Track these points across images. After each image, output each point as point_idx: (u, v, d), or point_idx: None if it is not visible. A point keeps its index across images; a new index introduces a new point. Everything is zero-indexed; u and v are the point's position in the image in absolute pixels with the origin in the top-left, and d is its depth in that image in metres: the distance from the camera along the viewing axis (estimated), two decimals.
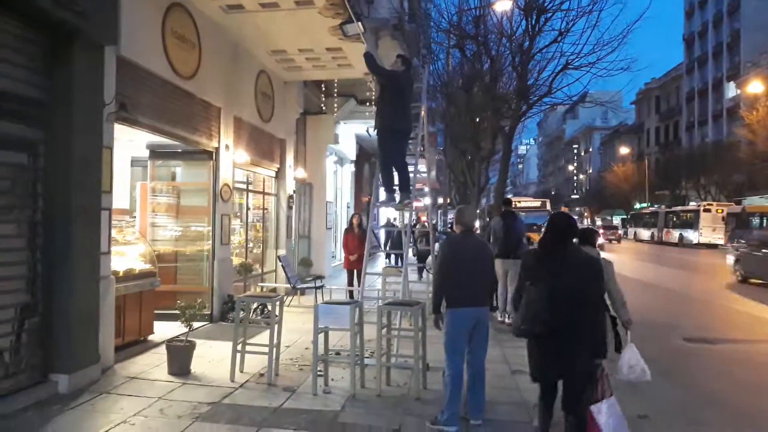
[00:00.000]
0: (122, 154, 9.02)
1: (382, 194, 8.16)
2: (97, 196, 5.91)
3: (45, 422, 4.62)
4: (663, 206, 46.47)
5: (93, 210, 5.84)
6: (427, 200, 16.64)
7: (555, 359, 3.95)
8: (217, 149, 9.38)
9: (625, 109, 61.16)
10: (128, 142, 8.80)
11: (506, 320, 9.43)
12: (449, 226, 33.98)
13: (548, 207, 27.90)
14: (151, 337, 7.50)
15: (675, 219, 41.72)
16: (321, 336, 5.84)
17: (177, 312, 6.32)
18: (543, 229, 4.72)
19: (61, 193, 5.43)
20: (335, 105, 15.02)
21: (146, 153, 9.40)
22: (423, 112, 8.55)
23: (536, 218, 25.57)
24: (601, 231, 35.75)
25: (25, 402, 4.93)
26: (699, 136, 51.92)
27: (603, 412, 3.93)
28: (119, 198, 8.63)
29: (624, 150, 63.79)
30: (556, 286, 3.83)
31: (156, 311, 7.70)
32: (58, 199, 5.43)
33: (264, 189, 12.25)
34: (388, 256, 17.82)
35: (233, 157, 9.88)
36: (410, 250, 10.34)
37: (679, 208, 43.33)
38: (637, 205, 54.69)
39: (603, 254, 5.27)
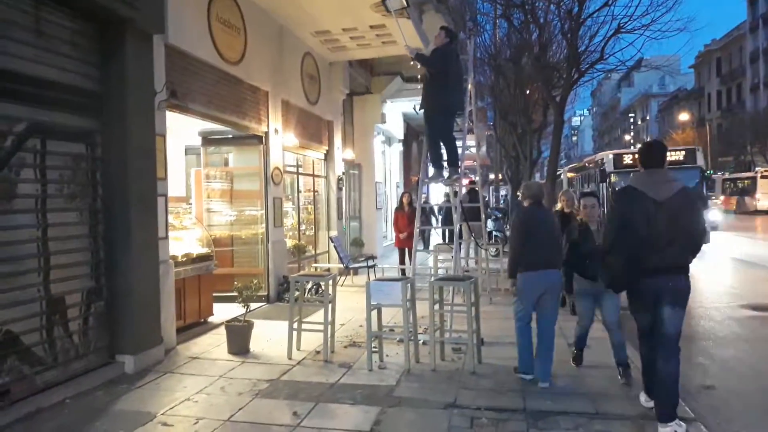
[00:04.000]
0: (176, 142, 9.24)
1: (431, 171, 8.08)
2: (153, 183, 6.08)
3: (114, 400, 4.83)
4: (721, 174, 44.79)
5: (149, 197, 6.01)
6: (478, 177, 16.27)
7: None
8: (267, 133, 9.49)
9: (684, 74, 58.51)
10: (181, 131, 9.00)
11: None
12: (502, 202, 33.52)
13: (700, 161, 15.05)
14: (210, 319, 7.73)
15: (732, 186, 40.54)
16: (374, 313, 5.88)
17: (235, 294, 6.48)
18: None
19: (119, 181, 5.62)
20: (381, 84, 14.94)
21: (199, 141, 9.62)
22: (470, 87, 8.39)
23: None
24: None
25: (94, 382, 5.17)
26: (765, 98, 49.24)
27: None
28: (175, 186, 8.87)
29: (683, 116, 61.14)
30: None
31: (214, 294, 7.92)
32: (116, 187, 5.61)
33: (314, 171, 12.35)
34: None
35: (282, 141, 9.98)
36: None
37: (736, 174, 41.87)
38: None
39: None
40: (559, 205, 7.88)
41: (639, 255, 4.06)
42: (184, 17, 6.93)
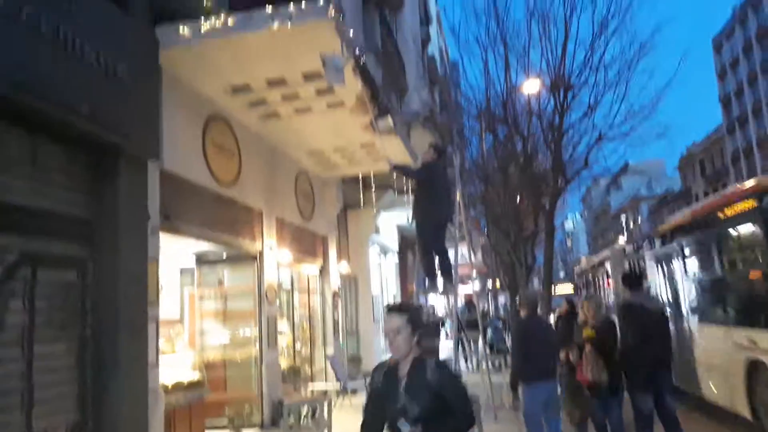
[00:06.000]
0: (171, 264, 9.23)
1: (426, 282, 8.06)
2: (144, 308, 5.97)
3: None
4: None
5: (140, 323, 5.89)
6: (476, 285, 16.22)
7: None
8: (261, 252, 9.50)
9: (670, 177, 60.18)
10: (176, 252, 9.01)
11: None
12: (502, 311, 32.96)
13: None
14: None
15: None
16: None
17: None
18: None
19: (109, 308, 5.52)
20: (373, 197, 15.21)
21: (194, 261, 9.60)
22: (458, 197, 8.56)
23: None
24: None
25: None
26: None
27: None
28: (169, 308, 8.74)
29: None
30: None
31: (207, 418, 7.57)
32: (107, 314, 5.51)
33: (309, 287, 12.26)
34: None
35: (277, 258, 9.98)
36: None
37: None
38: None
39: None
40: (581, 316, 6.80)
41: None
42: (179, 143, 7.15)
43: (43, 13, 4.70)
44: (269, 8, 6.06)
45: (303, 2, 6.02)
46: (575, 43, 12.58)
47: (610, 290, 14.16)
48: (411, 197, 10.73)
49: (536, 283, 33.67)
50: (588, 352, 5.71)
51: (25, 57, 4.57)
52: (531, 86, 13.30)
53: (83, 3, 5.31)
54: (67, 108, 4.94)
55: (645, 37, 12.85)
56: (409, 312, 3.06)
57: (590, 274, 18.14)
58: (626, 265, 13.25)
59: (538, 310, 6.18)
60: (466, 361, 13.13)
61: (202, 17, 6.26)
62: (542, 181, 13.71)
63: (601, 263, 16.51)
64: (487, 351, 10.81)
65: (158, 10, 6.51)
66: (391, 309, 3.10)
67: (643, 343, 5.70)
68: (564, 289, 38.41)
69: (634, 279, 6.43)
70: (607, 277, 14.99)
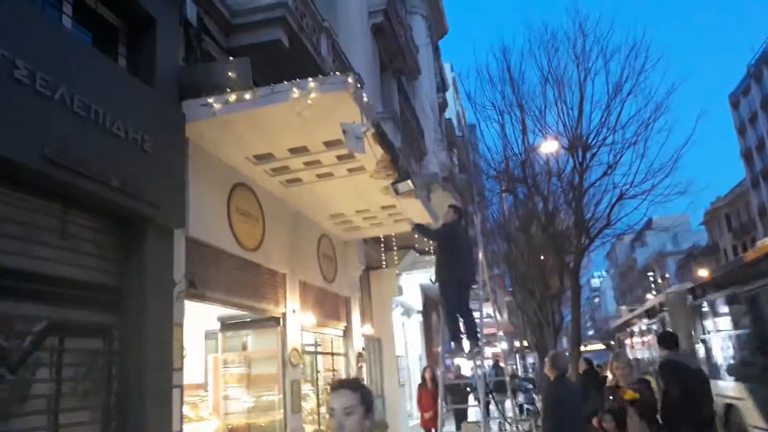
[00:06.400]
0: (196, 329, 9.29)
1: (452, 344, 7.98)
2: (169, 374, 6.00)
3: None
4: None
5: (165, 389, 5.90)
6: (503, 344, 15.95)
7: None
8: (284, 315, 9.53)
9: (695, 231, 59.26)
10: (201, 316, 9.09)
11: None
12: (531, 371, 32.09)
13: None
14: None
15: None
16: None
17: None
18: None
19: (135, 375, 5.56)
20: (395, 258, 15.26)
21: (218, 325, 9.65)
22: (481, 257, 8.57)
23: None
24: None
25: None
26: None
27: None
28: (194, 373, 8.76)
29: (702, 272, 60.75)
30: None
31: None
32: (132, 381, 5.54)
33: (332, 349, 12.17)
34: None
35: (300, 321, 9.98)
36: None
37: None
38: None
39: None
40: (610, 377, 6.96)
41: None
42: (204, 211, 7.32)
43: (75, 90, 4.97)
44: (291, 82, 6.32)
45: (324, 76, 6.27)
46: (591, 104, 12.78)
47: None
48: (433, 257, 10.78)
49: (565, 342, 32.91)
50: (631, 416, 5.26)
51: (58, 132, 4.80)
52: (549, 147, 13.45)
53: (113, 81, 5.63)
54: (97, 180, 5.14)
55: (660, 97, 12.93)
56: (361, 390, 2.60)
57: (633, 327, 15.71)
58: (691, 312, 11.20)
59: (568, 371, 6.10)
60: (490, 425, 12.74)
61: (227, 92, 6.54)
62: (565, 240, 13.65)
63: (650, 314, 13.96)
64: (516, 412, 10.50)
65: (184, 85, 6.84)
66: (340, 385, 2.62)
67: (688, 402, 5.72)
68: (594, 347, 37.33)
69: (672, 338, 6.66)
70: (663, 328, 12.51)
